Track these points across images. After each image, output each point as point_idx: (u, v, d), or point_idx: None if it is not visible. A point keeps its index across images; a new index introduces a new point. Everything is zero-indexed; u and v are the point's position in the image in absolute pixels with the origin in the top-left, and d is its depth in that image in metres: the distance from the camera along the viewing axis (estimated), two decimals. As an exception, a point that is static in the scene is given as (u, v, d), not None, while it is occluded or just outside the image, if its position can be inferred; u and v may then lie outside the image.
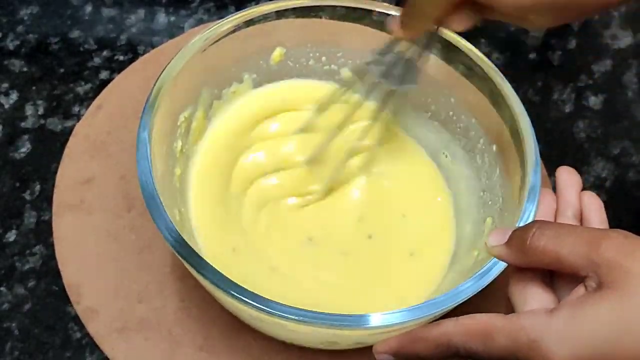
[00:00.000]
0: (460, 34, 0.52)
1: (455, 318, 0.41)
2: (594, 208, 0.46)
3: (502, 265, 0.43)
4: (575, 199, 0.46)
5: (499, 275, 0.43)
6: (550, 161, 0.59)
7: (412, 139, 0.57)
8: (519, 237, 0.41)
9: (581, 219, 0.46)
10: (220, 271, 0.42)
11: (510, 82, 0.50)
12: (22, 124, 0.59)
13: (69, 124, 0.59)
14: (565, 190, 0.46)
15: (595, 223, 0.45)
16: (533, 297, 0.41)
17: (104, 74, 0.62)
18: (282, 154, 0.54)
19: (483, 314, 0.41)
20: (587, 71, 0.65)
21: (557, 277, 0.43)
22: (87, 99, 0.60)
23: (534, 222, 0.41)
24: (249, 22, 0.52)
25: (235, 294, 0.41)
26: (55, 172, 0.56)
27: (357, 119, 0.55)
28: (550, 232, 0.39)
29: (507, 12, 0.44)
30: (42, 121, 0.59)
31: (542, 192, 0.47)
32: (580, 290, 0.39)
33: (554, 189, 0.57)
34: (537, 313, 0.39)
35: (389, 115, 0.56)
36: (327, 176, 0.53)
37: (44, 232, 0.54)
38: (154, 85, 0.47)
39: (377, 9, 0.53)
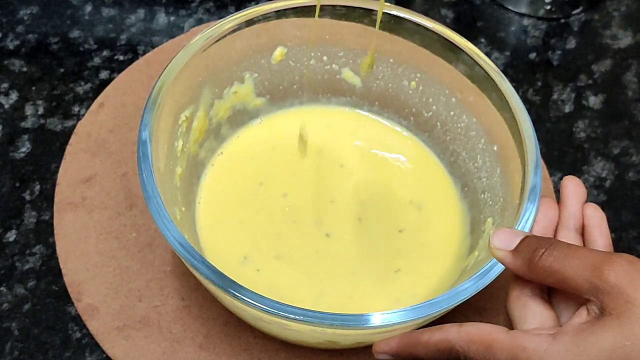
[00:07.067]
0: (460, 33, 0.52)
1: (458, 324, 0.42)
2: (597, 222, 0.46)
3: (502, 265, 0.43)
4: (578, 211, 0.46)
5: (499, 275, 0.43)
6: (551, 161, 0.59)
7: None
8: (527, 252, 0.41)
9: (583, 231, 0.46)
10: (220, 270, 0.42)
11: (510, 82, 0.50)
12: (22, 124, 0.59)
13: (69, 124, 0.59)
14: (569, 201, 0.46)
15: (596, 235, 0.45)
16: (534, 315, 0.42)
17: (104, 74, 0.62)
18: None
19: (487, 324, 0.41)
20: (587, 71, 0.65)
21: (555, 293, 0.43)
22: (87, 99, 0.60)
23: (545, 239, 0.41)
24: (250, 22, 0.52)
25: (236, 293, 0.41)
26: (55, 172, 0.56)
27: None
28: (558, 252, 0.40)
29: None
30: (42, 121, 0.59)
31: (546, 202, 0.47)
32: (582, 313, 0.39)
33: (554, 189, 0.57)
34: (539, 336, 0.39)
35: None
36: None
37: (44, 232, 0.54)
38: (155, 84, 0.47)
39: (377, 9, 0.53)
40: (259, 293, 0.41)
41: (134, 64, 0.62)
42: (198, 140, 0.53)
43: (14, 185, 0.56)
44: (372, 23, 0.53)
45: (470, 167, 0.53)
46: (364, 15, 0.53)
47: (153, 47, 0.63)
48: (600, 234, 0.45)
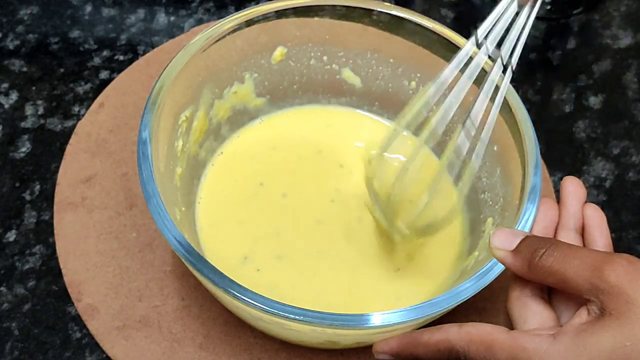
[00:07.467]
0: (460, 33, 0.52)
1: (458, 324, 0.42)
2: (597, 222, 0.46)
3: (502, 265, 0.43)
4: (578, 212, 0.46)
5: (499, 275, 0.43)
6: (551, 161, 0.59)
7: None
8: (527, 252, 0.41)
9: (583, 231, 0.46)
10: (220, 270, 0.42)
11: (510, 82, 0.50)
12: (22, 124, 0.59)
13: (69, 124, 0.59)
14: (569, 202, 0.47)
15: (596, 236, 0.46)
16: (534, 315, 0.42)
17: (104, 74, 0.62)
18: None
19: (487, 324, 0.41)
20: (587, 71, 0.65)
21: (555, 293, 0.43)
22: (87, 99, 0.60)
23: (546, 240, 0.41)
24: (250, 22, 0.52)
25: (236, 293, 0.41)
26: (55, 172, 0.56)
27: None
28: (558, 253, 0.40)
29: None
30: (42, 121, 0.59)
31: (546, 202, 0.47)
32: (582, 313, 0.39)
33: (555, 189, 0.57)
34: (539, 336, 0.39)
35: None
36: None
37: (44, 232, 0.54)
38: (155, 84, 0.47)
39: (377, 9, 0.53)
40: (259, 293, 0.41)
41: (134, 64, 0.62)
42: (198, 140, 0.53)
43: (14, 185, 0.56)
44: (372, 23, 0.53)
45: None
46: (364, 15, 0.53)
47: (153, 47, 0.63)
48: (600, 234, 0.45)
